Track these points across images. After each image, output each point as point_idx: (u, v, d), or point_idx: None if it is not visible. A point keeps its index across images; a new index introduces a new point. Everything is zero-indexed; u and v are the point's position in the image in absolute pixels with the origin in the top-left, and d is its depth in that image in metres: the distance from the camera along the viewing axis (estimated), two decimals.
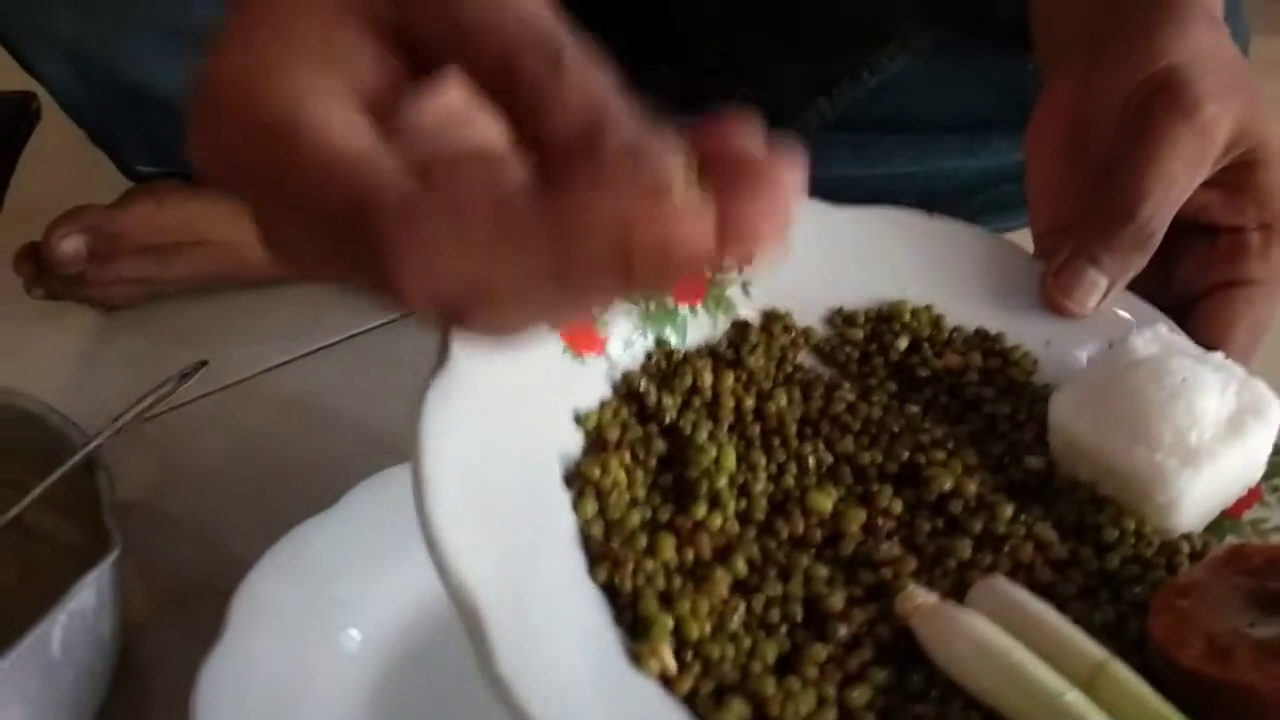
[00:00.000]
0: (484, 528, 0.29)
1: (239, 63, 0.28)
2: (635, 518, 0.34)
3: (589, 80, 0.26)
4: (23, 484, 0.48)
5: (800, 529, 0.36)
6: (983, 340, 0.44)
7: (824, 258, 0.44)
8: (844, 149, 0.67)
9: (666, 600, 0.33)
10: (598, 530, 0.34)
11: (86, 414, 0.50)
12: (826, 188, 0.68)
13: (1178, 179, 0.43)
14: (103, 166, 0.73)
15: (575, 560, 0.32)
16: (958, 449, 0.40)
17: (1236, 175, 0.45)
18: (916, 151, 0.67)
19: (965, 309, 0.45)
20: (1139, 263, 0.44)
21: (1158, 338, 0.40)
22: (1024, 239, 0.48)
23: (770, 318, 0.43)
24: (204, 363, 0.52)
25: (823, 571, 0.35)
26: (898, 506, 0.38)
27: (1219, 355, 0.40)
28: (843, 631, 0.34)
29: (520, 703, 0.26)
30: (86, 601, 0.43)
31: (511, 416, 0.33)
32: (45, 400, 0.51)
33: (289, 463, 0.59)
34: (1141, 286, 0.45)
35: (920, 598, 0.34)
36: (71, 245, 0.66)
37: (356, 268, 0.26)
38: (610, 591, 0.33)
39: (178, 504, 0.58)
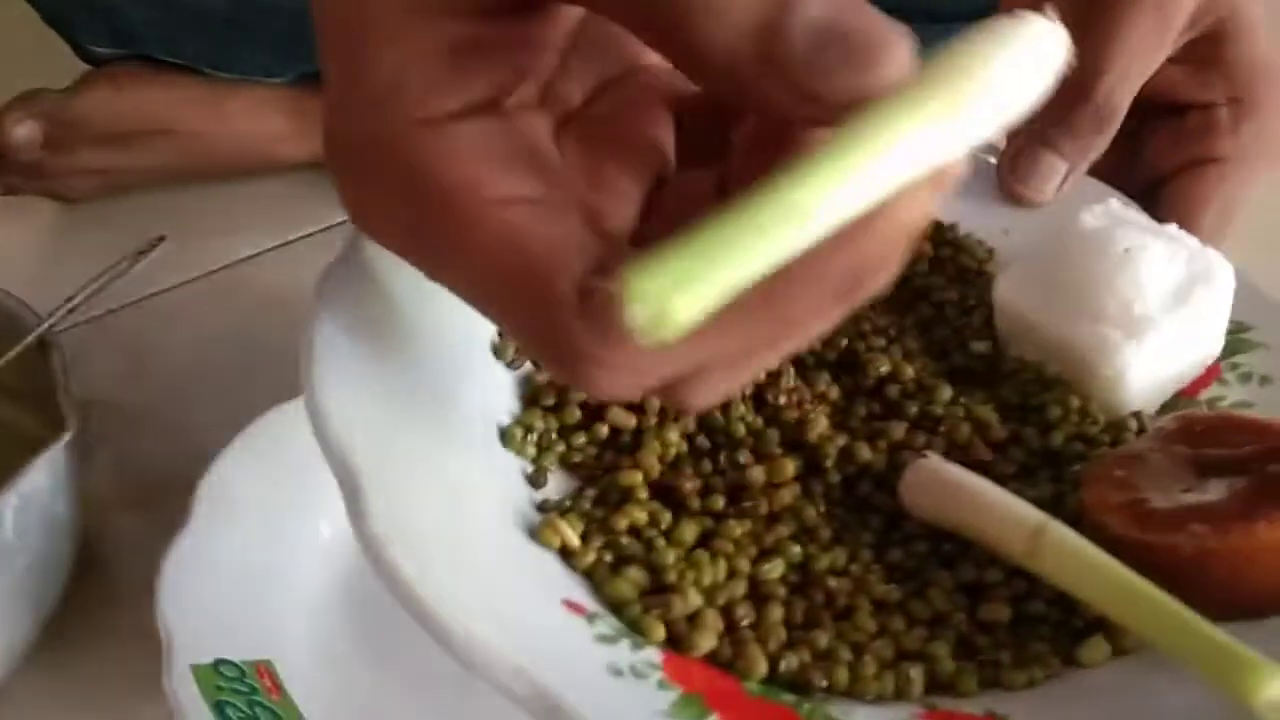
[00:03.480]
0: (372, 399, 0.29)
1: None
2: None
3: None
4: None
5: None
6: (935, 230, 0.43)
7: None
8: None
9: (590, 480, 0.33)
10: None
11: (47, 308, 0.47)
12: None
13: (1136, 55, 0.41)
14: (56, 50, 0.66)
15: (482, 434, 0.32)
16: (899, 336, 0.39)
17: (1205, 48, 0.43)
18: None
19: None
20: (1099, 145, 0.42)
21: (1108, 212, 0.38)
22: None
23: None
24: (162, 238, 0.48)
25: (750, 456, 0.35)
26: (835, 392, 0.37)
27: (1171, 227, 0.38)
28: (763, 508, 0.33)
29: (389, 560, 0.26)
30: (39, 484, 0.41)
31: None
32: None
33: (258, 357, 0.56)
34: (1108, 170, 0.43)
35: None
36: (25, 131, 0.61)
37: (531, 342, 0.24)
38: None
39: (144, 397, 0.55)
